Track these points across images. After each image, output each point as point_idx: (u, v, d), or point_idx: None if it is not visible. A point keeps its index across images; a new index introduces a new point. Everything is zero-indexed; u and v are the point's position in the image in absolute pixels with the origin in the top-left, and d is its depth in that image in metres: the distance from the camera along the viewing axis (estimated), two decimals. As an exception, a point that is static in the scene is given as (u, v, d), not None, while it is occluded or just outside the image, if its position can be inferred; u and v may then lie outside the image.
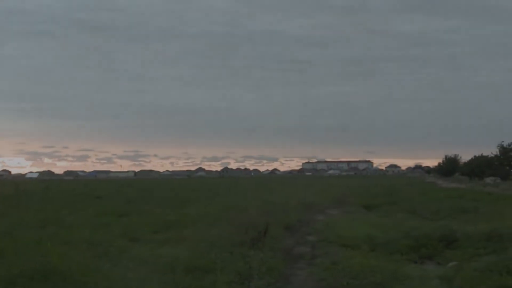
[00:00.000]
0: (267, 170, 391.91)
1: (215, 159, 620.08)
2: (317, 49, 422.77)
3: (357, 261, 14.37)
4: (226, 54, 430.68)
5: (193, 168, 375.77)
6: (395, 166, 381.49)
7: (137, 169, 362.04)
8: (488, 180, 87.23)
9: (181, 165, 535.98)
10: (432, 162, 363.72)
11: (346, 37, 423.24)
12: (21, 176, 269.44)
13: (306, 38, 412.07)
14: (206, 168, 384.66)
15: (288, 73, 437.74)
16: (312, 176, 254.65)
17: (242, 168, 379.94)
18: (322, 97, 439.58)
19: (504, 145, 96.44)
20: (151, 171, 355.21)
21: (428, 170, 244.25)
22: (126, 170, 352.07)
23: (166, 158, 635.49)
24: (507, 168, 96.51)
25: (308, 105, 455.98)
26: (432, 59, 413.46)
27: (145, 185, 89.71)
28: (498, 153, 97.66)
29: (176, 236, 19.33)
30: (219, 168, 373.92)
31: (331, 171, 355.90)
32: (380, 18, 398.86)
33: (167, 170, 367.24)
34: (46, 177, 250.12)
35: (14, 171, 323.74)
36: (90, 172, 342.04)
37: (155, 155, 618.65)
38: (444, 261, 16.39)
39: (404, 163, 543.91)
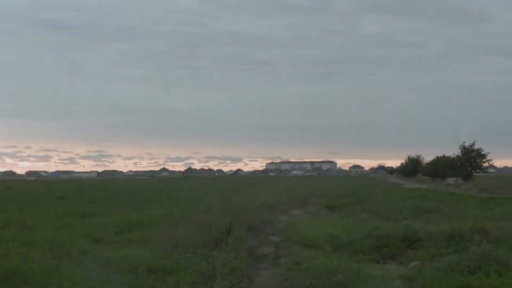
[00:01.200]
0: (231, 170, 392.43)
1: (178, 159, 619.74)
2: (280, 50, 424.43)
3: (320, 261, 14.42)
4: (190, 54, 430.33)
5: (156, 169, 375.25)
6: (358, 166, 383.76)
7: (100, 170, 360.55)
8: (450, 180, 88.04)
9: (145, 166, 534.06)
10: (395, 162, 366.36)
11: (310, 38, 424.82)
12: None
13: (270, 39, 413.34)
14: (170, 168, 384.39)
15: (251, 73, 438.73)
16: (275, 177, 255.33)
17: (206, 168, 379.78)
18: (286, 97, 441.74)
19: (466, 146, 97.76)
20: (114, 171, 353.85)
21: (391, 170, 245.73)
22: (89, 170, 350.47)
23: (130, 159, 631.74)
24: (469, 168, 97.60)
25: (272, 106, 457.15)
26: (395, 60, 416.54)
27: (108, 185, 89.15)
28: (460, 153, 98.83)
29: (139, 236, 19.29)
30: (183, 169, 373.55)
31: (294, 172, 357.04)
32: (343, 19, 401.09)
33: (131, 171, 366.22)
34: (8, 177, 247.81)
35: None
36: (52, 172, 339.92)
37: (119, 155, 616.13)
38: (407, 260, 16.50)
39: (367, 163, 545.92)
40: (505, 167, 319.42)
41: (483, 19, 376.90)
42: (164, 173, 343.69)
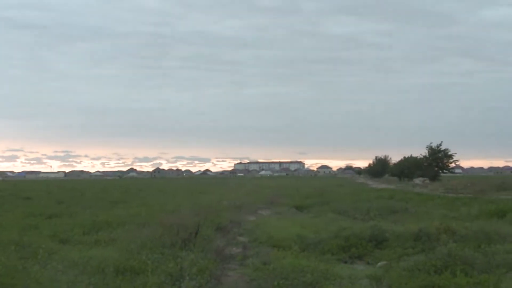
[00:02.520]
0: (199, 170, 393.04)
1: (146, 159, 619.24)
2: (249, 50, 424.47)
3: (288, 262, 14.44)
4: (157, 54, 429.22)
5: (124, 169, 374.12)
6: (326, 167, 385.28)
7: (67, 170, 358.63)
8: (417, 180, 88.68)
9: (112, 166, 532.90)
10: (362, 163, 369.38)
11: (277, 39, 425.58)
12: None
13: (238, 39, 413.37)
14: (138, 168, 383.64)
15: (220, 74, 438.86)
16: (244, 177, 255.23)
17: (174, 168, 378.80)
18: (254, 98, 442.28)
19: (433, 147, 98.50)
20: (81, 171, 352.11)
21: (359, 171, 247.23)
22: (56, 171, 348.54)
23: (97, 159, 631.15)
24: (436, 169, 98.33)
25: (240, 106, 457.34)
26: (363, 62, 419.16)
27: (75, 186, 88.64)
28: (427, 154, 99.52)
29: (107, 237, 19.17)
30: (151, 169, 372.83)
31: (263, 172, 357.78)
32: (311, 20, 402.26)
33: (98, 171, 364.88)
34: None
35: None
36: (19, 172, 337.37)
37: (86, 156, 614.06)
38: (374, 260, 16.60)
39: (335, 164, 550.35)
40: (471, 168, 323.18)
41: (448, 21, 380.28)
42: (132, 174, 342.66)
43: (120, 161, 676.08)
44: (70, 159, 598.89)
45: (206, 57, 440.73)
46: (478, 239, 17.82)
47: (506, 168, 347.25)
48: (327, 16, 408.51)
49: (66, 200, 42.02)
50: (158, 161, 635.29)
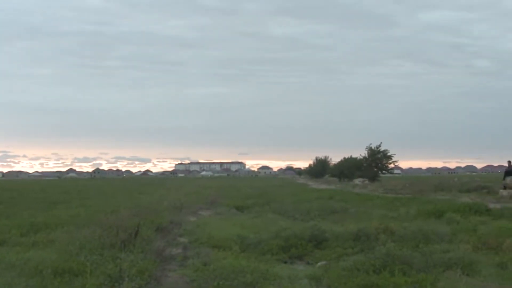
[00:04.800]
0: (140, 171, 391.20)
1: (86, 160, 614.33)
2: (191, 50, 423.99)
3: (228, 262, 14.43)
4: (99, 54, 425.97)
5: (63, 169, 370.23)
6: (267, 167, 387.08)
7: (5, 170, 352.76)
8: (357, 181, 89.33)
9: (52, 166, 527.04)
10: (303, 163, 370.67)
11: (220, 39, 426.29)
12: None
13: (180, 39, 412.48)
14: (77, 169, 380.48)
15: (161, 73, 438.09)
16: (184, 177, 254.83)
17: (114, 169, 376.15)
18: (196, 98, 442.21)
19: (372, 148, 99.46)
20: (20, 172, 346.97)
21: (299, 171, 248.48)
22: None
23: (36, 159, 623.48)
24: (375, 169, 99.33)
25: (181, 106, 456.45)
26: (304, 63, 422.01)
27: (13, 186, 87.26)
28: (366, 155, 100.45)
29: (45, 238, 18.91)
30: (90, 169, 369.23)
31: (204, 172, 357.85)
32: (252, 20, 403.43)
33: (37, 171, 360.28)
34: None
35: None
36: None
37: (24, 156, 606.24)
38: (314, 260, 16.66)
39: (276, 164, 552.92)
40: (410, 168, 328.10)
41: (388, 23, 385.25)
42: (71, 174, 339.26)
43: (59, 162, 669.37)
44: (8, 159, 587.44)
45: (148, 57, 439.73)
46: (416, 238, 18.05)
47: (444, 168, 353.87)
48: (269, 17, 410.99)
49: (4, 201, 41.26)
50: (98, 162, 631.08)
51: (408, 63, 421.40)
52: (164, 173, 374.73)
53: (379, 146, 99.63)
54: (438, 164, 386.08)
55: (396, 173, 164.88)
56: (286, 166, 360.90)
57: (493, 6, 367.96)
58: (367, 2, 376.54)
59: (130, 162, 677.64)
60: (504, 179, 44.01)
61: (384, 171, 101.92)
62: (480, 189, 49.40)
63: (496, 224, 22.13)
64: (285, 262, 16.73)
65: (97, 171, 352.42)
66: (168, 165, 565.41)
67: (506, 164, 49.10)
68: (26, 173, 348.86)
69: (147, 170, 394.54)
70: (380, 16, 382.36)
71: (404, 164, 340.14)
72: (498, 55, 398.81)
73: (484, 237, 18.15)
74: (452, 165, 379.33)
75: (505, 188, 42.05)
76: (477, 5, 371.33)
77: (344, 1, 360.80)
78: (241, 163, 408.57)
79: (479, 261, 14.50)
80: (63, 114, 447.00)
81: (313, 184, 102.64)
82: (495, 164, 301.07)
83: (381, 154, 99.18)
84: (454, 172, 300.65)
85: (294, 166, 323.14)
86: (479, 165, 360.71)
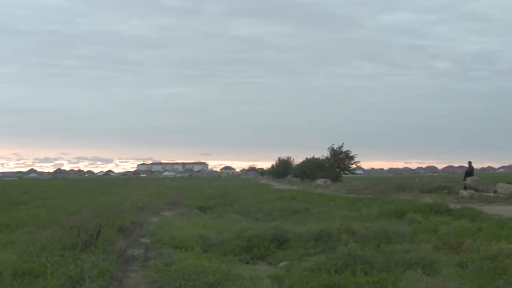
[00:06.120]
0: (102, 171, 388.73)
1: (47, 160, 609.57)
2: (153, 50, 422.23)
3: (190, 263, 14.40)
4: (60, 53, 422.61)
5: (24, 170, 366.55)
6: (229, 168, 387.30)
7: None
8: (319, 181, 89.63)
9: (12, 167, 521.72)
10: (266, 164, 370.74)
11: (183, 39, 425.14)
12: None
13: (142, 39, 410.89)
14: (38, 169, 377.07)
15: (123, 73, 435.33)
16: (147, 178, 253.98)
17: (76, 169, 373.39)
18: (158, 98, 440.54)
19: (335, 148, 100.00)
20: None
21: (262, 171, 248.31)
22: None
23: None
24: (337, 170, 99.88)
25: (143, 107, 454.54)
26: (267, 63, 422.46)
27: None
28: (329, 155, 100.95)
29: (4, 239, 18.68)
30: (51, 170, 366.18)
31: (166, 173, 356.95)
32: (216, 21, 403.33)
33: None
34: None
35: None
36: None
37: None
38: (276, 261, 16.68)
39: (239, 165, 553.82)
40: (372, 169, 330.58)
41: (350, 25, 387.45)
42: (32, 174, 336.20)
43: (20, 162, 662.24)
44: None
45: (109, 57, 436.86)
46: (378, 238, 18.15)
47: (405, 169, 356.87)
48: (231, 18, 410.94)
49: (-38, 202, 40.81)
50: (59, 162, 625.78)
51: (370, 64, 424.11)
52: (126, 173, 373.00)
53: (341, 146, 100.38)
54: (399, 164, 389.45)
55: (358, 174, 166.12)
56: (248, 166, 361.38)
57: (452, 8, 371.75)
58: (329, 3, 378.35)
59: (92, 162, 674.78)
60: (464, 179, 44.65)
61: (346, 172, 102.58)
62: (441, 190, 49.80)
63: (457, 224, 22.33)
64: (247, 263, 16.74)
65: (59, 171, 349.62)
66: (130, 166, 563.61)
67: (466, 165, 49.83)
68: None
69: (109, 171, 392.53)
70: (342, 17, 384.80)
71: (366, 164, 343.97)
72: (458, 57, 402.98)
73: (445, 237, 18.29)
74: (413, 165, 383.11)
75: (465, 188, 42.59)
76: (437, 7, 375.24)
77: (306, 2, 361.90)
78: (203, 163, 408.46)
79: (439, 260, 14.63)
80: (24, 113, 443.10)
81: (276, 184, 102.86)
82: (456, 165, 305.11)
83: (343, 154, 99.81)
84: (416, 173, 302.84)
85: (257, 167, 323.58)
86: (440, 166, 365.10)
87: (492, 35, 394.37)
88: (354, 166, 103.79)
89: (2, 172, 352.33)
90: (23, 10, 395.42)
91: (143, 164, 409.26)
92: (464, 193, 40.57)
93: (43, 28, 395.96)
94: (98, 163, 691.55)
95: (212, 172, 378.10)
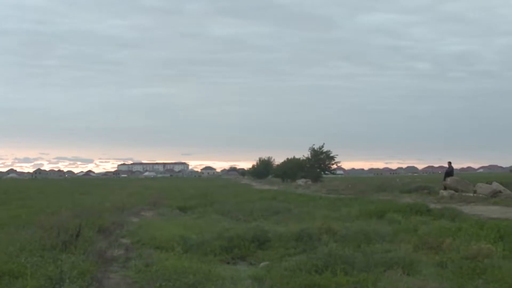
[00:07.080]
0: (82, 171, 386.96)
1: (27, 160, 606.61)
2: (132, 50, 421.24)
3: (170, 263, 14.38)
4: (38, 53, 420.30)
5: (4, 170, 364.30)
6: (210, 168, 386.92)
7: None
8: (300, 181, 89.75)
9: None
10: (246, 164, 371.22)
11: (161, 39, 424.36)
12: None
13: (121, 38, 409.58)
14: (18, 169, 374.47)
15: (102, 73, 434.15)
16: (127, 178, 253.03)
17: (56, 169, 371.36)
18: (138, 98, 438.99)
19: (315, 148, 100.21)
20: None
21: (242, 172, 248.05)
22: None
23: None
24: (318, 170, 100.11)
25: (124, 107, 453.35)
26: (247, 64, 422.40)
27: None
28: (309, 156, 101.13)
29: (-16, 240, 18.61)
30: (31, 170, 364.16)
31: (146, 173, 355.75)
32: (194, 21, 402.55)
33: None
34: None
35: None
36: None
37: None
38: (256, 261, 16.71)
39: (220, 165, 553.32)
40: (353, 169, 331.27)
41: (328, 25, 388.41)
42: (12, 174, 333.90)
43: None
44: None
45: (88, 57, 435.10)
46: (358, 239, 18.22)
47: (386, 169, 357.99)
48: (210, 18, 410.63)
49: None
50: (39, 162, 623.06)
51: (350, 64, 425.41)
52: (106, 173, 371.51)
53: (322, 147, 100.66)
54: (380, 165, 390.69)
55: (338, 174, 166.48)
56: (229, 166, 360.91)
57: (431, 9, 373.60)
58: (308, 3, 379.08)
59: (72, 162, 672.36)
60: (444, 179, 44.80)
61: (326, 172, 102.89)
62: (421, 190, 50.02)
63: (437, 224, 22.39)
64: (228, 263, 16.76)
65: (38, 171, 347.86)
66: (110, 166, 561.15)
67: (446, 165, 50.04)
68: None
69: (89, 171, 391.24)
70: (321, 18, 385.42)
71: (346, 165, 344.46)
72: (437, 57, 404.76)
73: (425, 237, 18.36)
74: (393, 166, 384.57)
75: (445, 188, 42.73)
76: (416, 8, 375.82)
77: (284, 2, 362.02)
78: (184, 163, 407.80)
79: (419, 260, 14.71)
80: (3, 113, 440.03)
81: (256, 184, 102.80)
82: (436, 165, 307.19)
83: (324, 155, 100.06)
84: (396, 173, 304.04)
85: (238, 167, 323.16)
86: (420, 166, 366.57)
87: (470, 36, 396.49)
88: (334, 166, 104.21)
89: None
90: (1, 9, 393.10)
91: (124, 164, 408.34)
92: (444, 193, 40.72)
93: (22, 28, 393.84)
94: (78, 163, 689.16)
95: (193, 172, 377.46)
